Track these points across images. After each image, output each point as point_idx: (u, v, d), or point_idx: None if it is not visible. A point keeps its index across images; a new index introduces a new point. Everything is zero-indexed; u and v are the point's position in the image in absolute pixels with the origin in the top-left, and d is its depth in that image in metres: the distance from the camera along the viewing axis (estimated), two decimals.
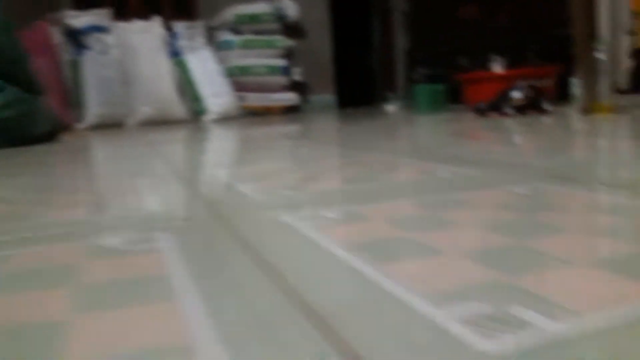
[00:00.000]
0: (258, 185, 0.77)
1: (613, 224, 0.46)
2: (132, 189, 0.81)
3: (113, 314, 0.33)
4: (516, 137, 1.28)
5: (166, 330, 0.30)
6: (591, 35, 1.72)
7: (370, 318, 0.30)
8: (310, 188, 0.72)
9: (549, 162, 0.82)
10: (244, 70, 3.55)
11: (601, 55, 1.67)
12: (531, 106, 1.84)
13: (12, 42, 1.89)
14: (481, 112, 1.84)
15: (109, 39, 3.18)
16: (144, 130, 2.55)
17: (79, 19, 3.10)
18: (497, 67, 2.30)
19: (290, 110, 3.71)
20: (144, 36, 3.24)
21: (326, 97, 4.02)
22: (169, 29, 3.37)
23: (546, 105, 1.87)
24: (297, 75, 3.72)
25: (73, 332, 0.31)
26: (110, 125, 2.92)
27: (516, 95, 1.81)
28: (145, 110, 3.04)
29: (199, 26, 3.49)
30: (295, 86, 3.74)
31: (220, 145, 1.68)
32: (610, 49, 2.27)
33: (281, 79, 3.62)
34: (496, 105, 1.82)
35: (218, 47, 3.65)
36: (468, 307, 0.31)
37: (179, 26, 3.40)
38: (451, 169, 0.81)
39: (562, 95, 2.26)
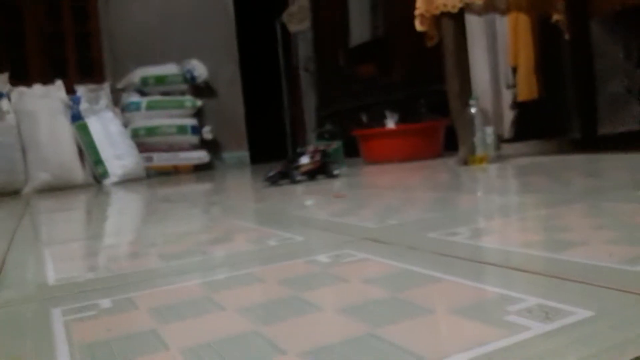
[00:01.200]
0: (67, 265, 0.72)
1: (374, 299, 0.45)
2: None
3: None
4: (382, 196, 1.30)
5: None
6: (464, 92, 1.81)
7: None
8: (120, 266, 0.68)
9: (377, 223, 0.82)
10: (151, 131, 3.50)
11: (474, 110, 1.76)
12: (321, 171, 1.84)
13: None
14: (272, 180, 1.74)
15: (5, 104, 3.06)
16: (39, 198, 2.43)
17: None
18: (390, 123, 2.37)
19: (201, 168, 3.67)
20: (44, 101, 3.15)
21: (240, 153, 4.02)
22: (71, 92, 3.29)
23: (335, 170, 1.87)
24: (208, 133, 3.70)
25: None
26: (5, 194, 2.77)
27: (304, 161, 1.81)
28: (42, 177, 2.91)
29: (104, 88, 3.42)
30: (206, 144, 3.71)
31: (95, 214, 1.61)
32: (491, 101, 2.41)
33: (191, 138, 3.60)
34: (286, 174, 1.76)
35: (124, 108, 3.59)
36: None
37: (82, 90, 3.32)
38: (285, 235, 0.80)
39: (452, 147, 2.35)
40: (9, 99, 3.08)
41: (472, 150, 1.76)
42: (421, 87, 2.61)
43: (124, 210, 1.64)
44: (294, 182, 1.74)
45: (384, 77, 2.88)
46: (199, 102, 3.67)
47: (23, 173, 2.92)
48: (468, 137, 1.76)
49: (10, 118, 3.03)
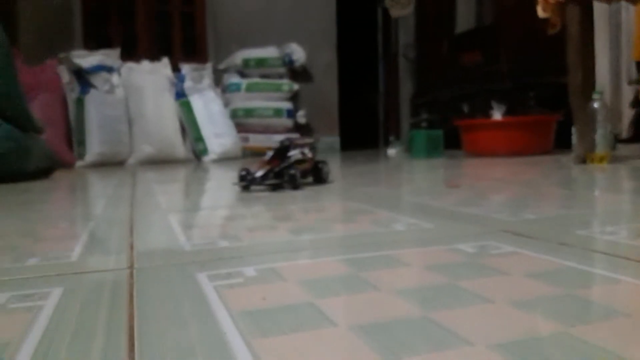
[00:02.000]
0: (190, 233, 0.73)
1: (545, 295, 0.41)
2: (73, 234, 0.78)
3: None
4: (484, 188, 1.23)
5: None
6: (587, 85, 1.68)
7: None
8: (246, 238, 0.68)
9: (511, 216, 0.77)
10: (249, 113, 3.57)
11: (597, 105, 1.63)
12: (311, 173, 1.33)
13: (9, 80, 1.91)
14: (251, 182, 1.21)
15: (115, 78, 3.23)
16: (143, 170, 2.55)
17: (87, 59, 3.16)
18: (497, 114, 2.26)
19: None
20: (151, 77, 3.29)
21: (331, 139, 4.02)
22: (176, 70, 3.41)
23: (327, 173, 1.36)
24: (301, 117, 3.73)
25: None
26: (111, 164, 2.93)
27: (296, 156, 1.27)
28: (146, 150, 3.05)
29: (206, 68, 3.53)
30: (299, 128, 3.74)
31: (198, 186, 1.65)
32: (610, 98, 2.23)
33: (285, 121, 3.64)
34: (279, 173, 1.22)
35: (225, 89, 3.69)
36: None
37: (186, 68, 3.44)
38: (410, 220, 0.77)
39: (562, 144, 2.21)
40: (119, 74, 3.25)
41: (591, 147, 1.64)
42: (530, 78, 2.47)
43: (228, 185, 1.68)
44: (295, 185, 1.21)
45: (489, 66, 2.75)
46: (295, 86, 3.70)
47: (128, 145, 3.07)
48: (588, 134, 1.63)
49: (120, 92, 3.19)
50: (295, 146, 1.26)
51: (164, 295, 0.45)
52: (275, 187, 1.21)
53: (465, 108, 2.68)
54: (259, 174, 1.18)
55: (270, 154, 1.25)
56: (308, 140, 1.31)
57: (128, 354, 0.33)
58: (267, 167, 1.20)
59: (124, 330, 0.37)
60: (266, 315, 0.39)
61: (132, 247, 0.65)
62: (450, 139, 2.54)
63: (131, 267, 0.55)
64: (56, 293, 0.46)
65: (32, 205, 1.22)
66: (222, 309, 0.41)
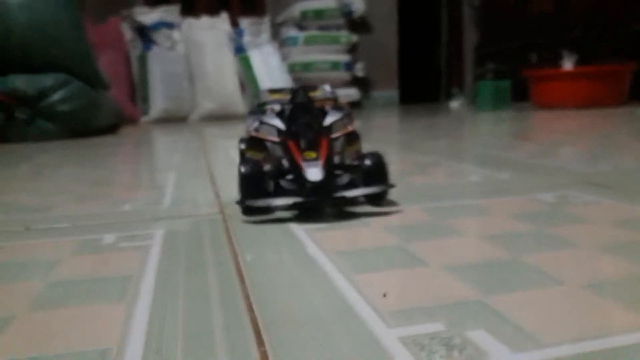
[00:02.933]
0: None
1: (635, 240, 0.42)
2: (151, 184, 0.83)
3: (60, 311, 0.33)
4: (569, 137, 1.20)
5: (98, 332, 0.30)
6: None
7: (316, 328, 0.29)
8: None
9: (589, 167, 0.75)
10: (307, 67, 3.56)
11: None
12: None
13: (79, 37, 1.99)
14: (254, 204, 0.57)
15: (176, 34, 3.29)
16: (206, 125, 2.61)
17: (149, 15, 3.22)
18: (568, 64, 2.17)
19: (351, 106, 3.68)
20: (210, 32, 3.32)
21: (389, 92, 3.97)
22: (235, 25, 3.43)
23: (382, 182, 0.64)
24: (359, 70, 3.69)
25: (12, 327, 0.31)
26: (174, 120, 3.02)
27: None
28: (207, 105, 3.12)
29: (264, 22, 3.53)
30: (357, 82, 3.71)
31: None
32: None
33: (343, 75, 3.61)
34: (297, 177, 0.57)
35: (282, 43, 3.68)
36: (423, 327, 0.28)
37: (245, 23, 3.45)
38: (485, 171, 0.77)
39: (637, 96, 2.10)
40: (180, 30, 3.30)
41: None
42: (604, 27, 2.33)
43: None
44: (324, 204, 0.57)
45: (560, 14, 2.62)
46: (354, 38, 3.65)
47: (190, 101, 3.15)
48: None
49: (181, 48, 3.25)
50: (328, 105, 0.65)
51: (258, 236, 0.49)
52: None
53: (534, 58, 2.57)
54: (314, 175, 0.53)
55: (276, 113, 0.63)
56: (330, 92, 0.70)
57: (240, 285, 0.36)
58: (316, 158, 0.55)
59: (232, 264, 0.41)
60: (358, 256, 0.41)
61: (217, 195, 0.69)
62: (518, 91, 2.45)
63: (222, 212, 0.59)
64: (159, 234, 0.51)
65: (111, 157, 1.29)
66: (316, 249, 0.43)
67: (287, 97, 0.67)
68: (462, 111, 2.48)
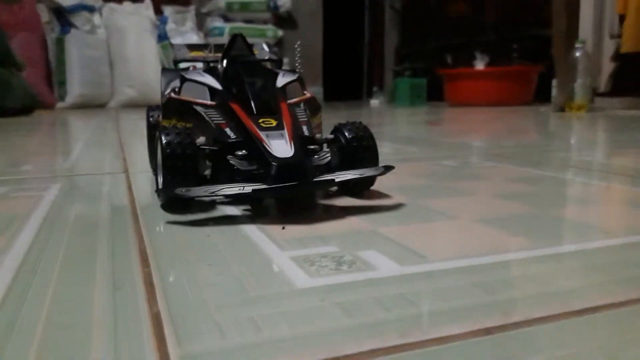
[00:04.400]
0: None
1: (523, 192, 0.44)
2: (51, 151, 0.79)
3: None
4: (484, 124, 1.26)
5: None
6: (571, 33, 1.70)
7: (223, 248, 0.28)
8: None
9: (492, 145, 0.80)
10: None
11: (579, 54, 1.65)
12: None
13: None
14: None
15: (97, 18, 3.15)
16: (125, 111, 2.52)
17: None
18: (480, 64, 2.28)
19: None
20: (133, 18, 3.21)
21: (314, 89, 3.99)
22: (159, 12, 3.33)
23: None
24: (285, 66, 3.68)
25: None
26: (92, 106, 2.88)
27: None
28: (128, 92, 3.00)
29: (189, 11, 3.45)
30: None
31: None
32: (591, 51, 2.26)
33: None
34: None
35: (208, 33, 3.62)
36: (315, 250, 0.29)
37: (169, 10, 3.36)
38: (395, 146, 0.79)
39: (542, 97, 2.24)
40: (101, 14, 3.16)
41: (570, 96, 1.67)
42: (515, 30, 2.48)
43: None
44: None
45: (475, 17, 2.75)
46: (280, 32, 3.64)
47: (109, 87, 3.03)
48: (568, 82, 1.66)
49: (101, 32, 3.12)
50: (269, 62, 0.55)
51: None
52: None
53: (449, 59, 2.68)
54: (281, 150, 0.37)
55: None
56: (270, 52, 0.60)
57: (133, 222, 0.35)
58: (277, 127, 0.40)
59: (129, 203, 0.39)
60: (375, 212, 0.41)
61: (124, 159, 0.67)
62: (434, 91, 2.55)
63: (126, 171, 0.57)
64: (55, 187, 0.48)
65: (21, 133, 1.21)
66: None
67: (212, 55, 0.55)
68: (381, 107, 2.55)
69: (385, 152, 0.73)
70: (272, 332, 0.19)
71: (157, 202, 0.39)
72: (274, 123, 0.39)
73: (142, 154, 0.72)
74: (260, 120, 0.39)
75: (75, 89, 2.86)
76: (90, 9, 3.17)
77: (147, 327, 0.19)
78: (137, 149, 0.79)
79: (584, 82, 1.65)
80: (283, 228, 0.33)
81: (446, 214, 0.36)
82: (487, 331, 0.19)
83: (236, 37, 0.48)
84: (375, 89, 3.54)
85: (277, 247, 0.29)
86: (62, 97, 2.87)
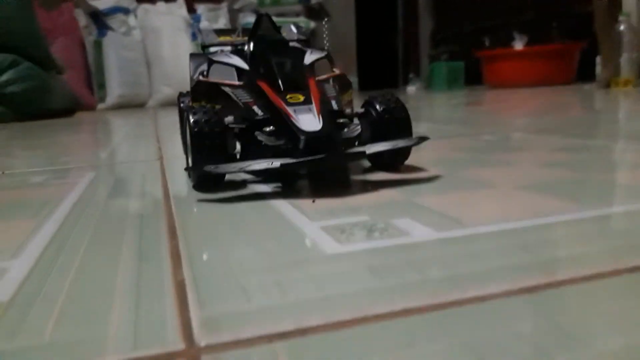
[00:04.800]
0: None
1: (568, 160, 0.42)
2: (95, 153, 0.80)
3: None
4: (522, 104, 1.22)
5: (7, 238, 0.28)
6: (614, 6, 1.63)
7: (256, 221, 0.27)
8: None
9: (536, 120, 0.77)
10: None
11: (623, 27, 1.58)
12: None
13: (29, 18, 1.91)
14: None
15: (132, 20, 3.21)
16: (163, 110, 2.56)
17: (103, 0, 3.13)
18: (519, 44, 2.21)
19: None
20: (167, 18, 3.25)
21: (350, 79, 3.96)
22: (192, 11, 3.37)
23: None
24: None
25: None
26: (131, 106, 2.94)
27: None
28: (165, 91, 3.05)
29: (222, 8, 3.48)
30: None
31: None
32: (636, 23, 2.16)
33: None
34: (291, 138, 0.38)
35: (242, 28, 3.63)
36: (346, 219, 0.28)
37: (202, 8, 3.40)
38: (432, 126, 0.77)
39: (585, 75, 2.16)
40: (135, 16, 3.22)
41: (616, 72, 1.60)
42: (554, 8, 2.39)
43: None
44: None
45: None
46: (312, 24, 3.63)
47: (147, 87, 3.08)
48: (613, 57, 1.59)
49: (137, 34, 3.18)
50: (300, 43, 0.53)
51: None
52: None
53: (487, 41, 2.61)
54: (309, 124, 0.36)
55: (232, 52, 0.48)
56: (298, 33, 0.57)
57: (164, 197, 0.35)
58: (305, 102, 0.39)
59: (161, 186, 0.39)
60: (410, 184, 0.40)
61: (160, 148, 0.67)
62: (472, 75, 2.49)
63: (161, 158, 0.57)
64: (90, 175, 0.49)
65: (62, 132, 1.25)
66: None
67: (240, 39, 0.54)
68: (418, 93, 2.50)
69: (422, 131, 0.71)
70: (298, 294, 0.18)
71: (189, 184, 0.39)
72: (302, 98, 0.38)
73: (177, 143, 0.73)
74: (288, 96, 0.38)
75: (114, 90, 2.93)
76: (126, 11, 3.23)
77: (170, 293, 0.19)
78: (172, 139, 0.80)
79: (629, 56, 1.58)
80: (313, 201, 0.32)
81: (486, 183, 0.35)
82: (528, 290, 0.17)
83: (262, 17, 0.47)
84: (411, 75, 3.48)
85: (307, 219, 0.28)
86: (102, 99, 2.94)
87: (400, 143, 0.37)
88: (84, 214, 0.32)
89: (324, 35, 2.89)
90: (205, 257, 0.23)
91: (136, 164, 0.54)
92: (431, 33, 3.59)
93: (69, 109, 2.11)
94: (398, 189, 0.34)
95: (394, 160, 0.41)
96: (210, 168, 0.34)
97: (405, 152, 0.41)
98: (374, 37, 4.12)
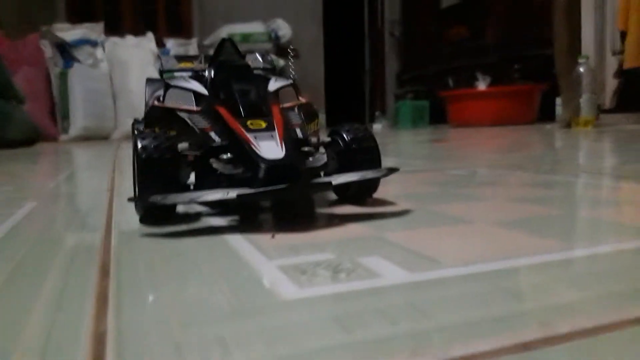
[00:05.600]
0: None
1: (540, 196, 0.40)
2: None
3: None
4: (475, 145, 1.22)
5: None
6: (573, 49, 1.68)
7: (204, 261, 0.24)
8: None
9: (501, 157, 0.75)
10: None
11: (583, 69, 1.62)
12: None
13: None
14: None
15: (99, 52, 3.16)
16: (129, 143, 2.50)
17: (70, 32, 3.08)
18: (482, 85, 2.25)
19: None
20: (136, 51, 3.22)
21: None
22: (161, 45, 3.35)
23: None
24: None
25: None
26: (96, 138, 2.87)
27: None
28: (130, 124, 2.99)
29: (192, 43, 3.47)
30: None
31: None
32: (594, 68, 2.23)
33: None
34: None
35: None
36: (308, 257, 0.24)
37: (171, 43, 3.38)
38: (399, 160, 0.75)
39: (546, 116, 2.21)
40: (103, 48, 3.18)
41: (576, 112, 1.63)
42: (516, 50, 2.46)
43: None
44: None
45: (475, 39, 2.74)
46: (281, 62, 3.65)
47: (113, 119, 3.02)
48: (573, 98, 1.63)
49: (104, 66, 3.13)
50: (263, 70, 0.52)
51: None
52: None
53: (451, 82, 2.66)
54: (271, 152, 0.33)
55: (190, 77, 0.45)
56: (265, 61, 0.55)
57: (104, 232, 0.31)
58: (267, 129, 0.35)
59: (104, 219, 0.35)
60: (379, 218, 0.37)
61: (113, 179, 0.63)
62: (436, 114, 2.52)
63: (111, 190, 0.53)
64: (29, 206, 0.44)
65: (14, 161, 1.18)
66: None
67: (202, 66, 0.50)
68: (384, 131, 2.52)
69: (389, 165, 0.69)
70: (244, 354, 0.14)
71: (136, 218, 0.35)
72: (264, 124, 0.35)
73: (131, 174, 0.69)
74: (249, 122, 0.35)
75: (78, 122, 2.85)
76: (93, 43, 3.19)
77: (85, 349, 0.15)
78: (129, 171, 0.75)
79: (589, 97, 1.62)
80: (273, 237, 0.29)
81: (459, 218, 0.32)
82: (525, 346, 0.14)
83: (225, 42, 0.45)
84: (377, 113, 3.52)
85: (264, 256, 0.25)
86: (65, 130, 2.86)
87: (368, 174, 0.35)
88: (8, 249, 0.28)
89: (292, 73, 2.92)
90: (137, 303, 0.19)
91: (83, 195, 0.50)
92: (397, 73, 3.66)
93: (28, 139, 2.04)
94: (366, 224, 0.31)
95: (361, 193, 0.39)
96: (157, 198, 0.30)
97: (374, 184, 0.38)
98: (341, 76, 4.17)
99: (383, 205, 0.37)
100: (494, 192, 0.42)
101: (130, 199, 0.33)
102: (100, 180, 0.65)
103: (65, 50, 3.06)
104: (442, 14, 3.11)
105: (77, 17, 3.44)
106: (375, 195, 0.39)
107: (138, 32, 3.42)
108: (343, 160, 0.38)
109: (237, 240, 0.28)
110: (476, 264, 0.22)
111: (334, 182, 0.33)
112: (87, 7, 3.68)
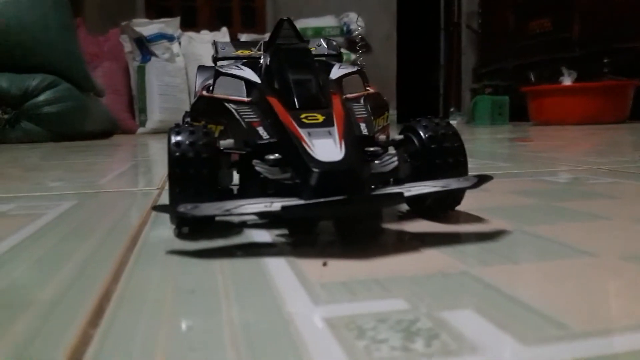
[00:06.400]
0: None
1: None
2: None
3: None
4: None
5: None
6: None
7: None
8: None
9: (601, 160, 0.65)
10: None
11: None
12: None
13: (68, 39, 1.91)
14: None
15: (175, 47, 3.22)
16: None
17: (148, 27, 3.16)
18: (567, 80, 2.07)
19: None
20: (210, 46, 3.27)
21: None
22: (235, 39, 3.38)
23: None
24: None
25: None
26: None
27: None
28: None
29: (265, 38, 3.48)
30: None
31: None
32: None
33: None
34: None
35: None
36: (369, 304, 0.18)
37: (245, 37, 3.40)
38: (481, 161, 0.67)
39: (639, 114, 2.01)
40: (179, 43, 3.24)
41: None
42: (605, 44, 2.25)
43: None
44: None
45: (559, 32, 2.54)
46: (353, 56, 3.59)
47: None
48: None
49: (180, 60, 3.19)
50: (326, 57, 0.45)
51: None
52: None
53: (532, 76, 2.49)
54: (327, 152, 0.26)
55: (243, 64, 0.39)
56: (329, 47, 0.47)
57: (129, 244, 0.25)
58: (325, 124, 0.29)
59: (137, 226, 0.30)
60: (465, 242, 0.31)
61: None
62: (516, 111, 2.37)
63: (161, 188, 0.48)
64: (65, 205, 0.40)
65: (83, 153, 1.19)
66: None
67: (260, 53, 0.44)
68: (459, 127, 2.39)
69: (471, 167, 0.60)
70: None
71: (170, 229, 0.30)
72: (321, 118, 0.29)
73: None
74: (303, 116, 0.29)
75: (154, 115, 2.92)
76: (170, 38, 3.26)
77: None
78: None
79: None
80: (325, 264, 0.22)
81: (576, 247, 0.24)
82: None
83: (282, 22, 0.39)
84: (452, 109, 3.37)
85: (309, 298, 0.18)
86: (142, 123, 2.93)
87: (452, 184, 0.27)
88: (17, 259, 0.23)
89: (362, 61, 2.85)
90: (126, 345, 0.13)
91: (130, 194, 0.45)
92: (474, 68, 3.49)
93: (106, 132, 2.09)
94: (449, 250, 0.24)
95: (441, 205, 0.31)
96: (185, 208, 0.24)
97: (457, 195, 0.31)
98: (414, 70, 4.04)
99: (467, 222, 0.30)
100: (612, 208, 0.33)
101: (154, 208, 0.27)
102: (158, 176, 0.61)
103: (144, 45, 3.14)
104: (522, 5, 2.93)
105: (155, 12, 3.53)
106: (458, 207, 0.32)
107: (213, 27, 3.46)
108: (419, 164, 0.30)
109: (279, 268, 0.22)
110: (628, 331, 0.15)
111: (406, 194, 0.25)
112: (165, 3, 3.77)
